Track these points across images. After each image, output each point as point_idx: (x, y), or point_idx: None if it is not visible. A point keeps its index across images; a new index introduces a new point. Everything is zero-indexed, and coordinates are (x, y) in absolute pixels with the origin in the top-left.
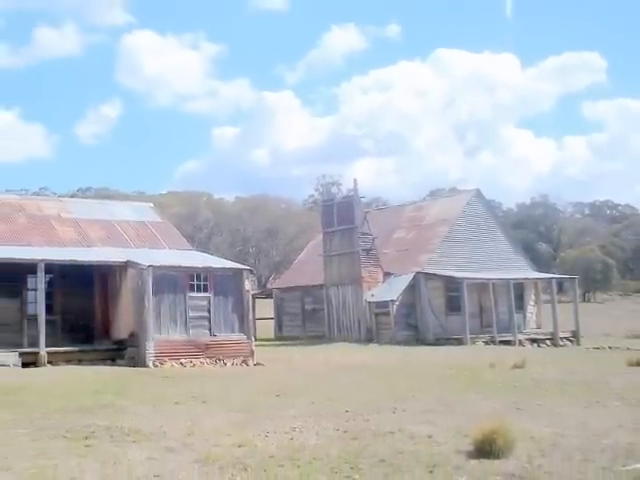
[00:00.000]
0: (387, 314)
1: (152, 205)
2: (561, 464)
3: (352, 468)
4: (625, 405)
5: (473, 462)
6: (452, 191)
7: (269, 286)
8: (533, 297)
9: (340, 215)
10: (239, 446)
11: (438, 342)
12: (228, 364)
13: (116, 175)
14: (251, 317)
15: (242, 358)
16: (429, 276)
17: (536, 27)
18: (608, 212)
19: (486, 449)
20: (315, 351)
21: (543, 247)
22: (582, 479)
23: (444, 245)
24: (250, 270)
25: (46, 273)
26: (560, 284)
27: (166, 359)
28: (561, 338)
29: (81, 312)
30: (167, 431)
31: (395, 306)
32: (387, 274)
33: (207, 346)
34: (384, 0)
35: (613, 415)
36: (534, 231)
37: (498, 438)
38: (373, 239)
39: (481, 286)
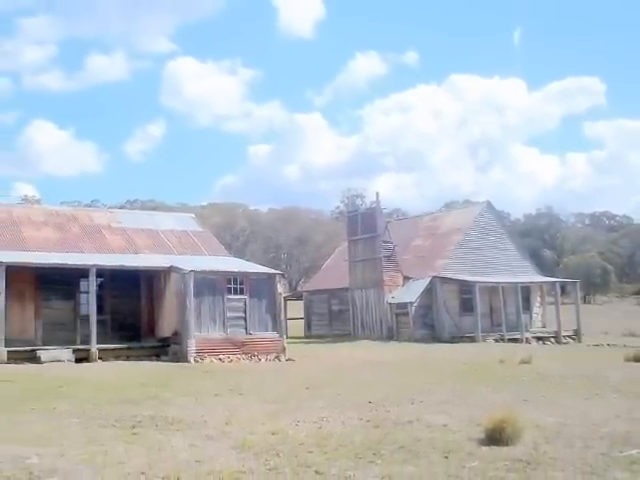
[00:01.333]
0: (406, 314)
1: (193, 216)
2: (564, 450)
3: (374, 454)
4: (622, 397)
5: (484, 448)
6: (465, 203)
7: (299, 289)
8: (538, 299)
9: (364, 225)
10: (272, 434)
11: (453, 340)
12: (262, 360)
13: (161, 188)
14: (283, 317)
15: (275, 354)
16: (444, 280)
17: (541, 54)
18: (606, 222)
19: (496, 437)
20: (341, 348)
21: (547, 253)
22: (583, 464)
23: (458, 252)
24: (282, 274)
25: (97, 277)
26: (563, 287)
27: (206, 355)
28: (564, 336)
29: (129, 312)
30: (207, 420)
31: (414, 307)
32: (406, 278)
33: (243, 343)
34: (403, 29)
35: (611, 406)
36: (539, 239)
37: (507, 427)
38: (394, 246)
39: (491, 289)
